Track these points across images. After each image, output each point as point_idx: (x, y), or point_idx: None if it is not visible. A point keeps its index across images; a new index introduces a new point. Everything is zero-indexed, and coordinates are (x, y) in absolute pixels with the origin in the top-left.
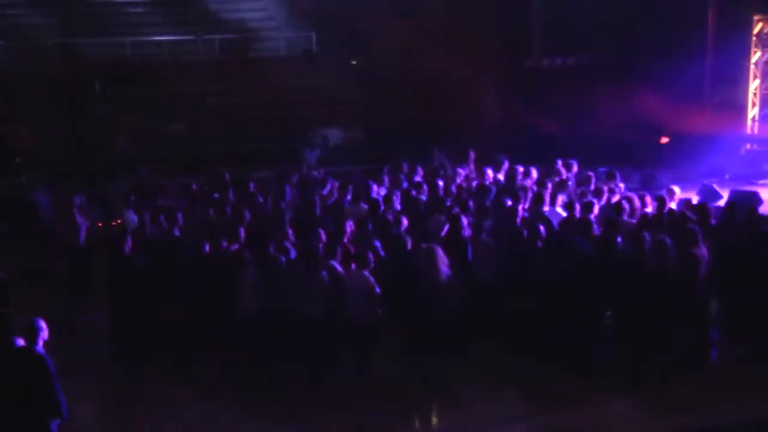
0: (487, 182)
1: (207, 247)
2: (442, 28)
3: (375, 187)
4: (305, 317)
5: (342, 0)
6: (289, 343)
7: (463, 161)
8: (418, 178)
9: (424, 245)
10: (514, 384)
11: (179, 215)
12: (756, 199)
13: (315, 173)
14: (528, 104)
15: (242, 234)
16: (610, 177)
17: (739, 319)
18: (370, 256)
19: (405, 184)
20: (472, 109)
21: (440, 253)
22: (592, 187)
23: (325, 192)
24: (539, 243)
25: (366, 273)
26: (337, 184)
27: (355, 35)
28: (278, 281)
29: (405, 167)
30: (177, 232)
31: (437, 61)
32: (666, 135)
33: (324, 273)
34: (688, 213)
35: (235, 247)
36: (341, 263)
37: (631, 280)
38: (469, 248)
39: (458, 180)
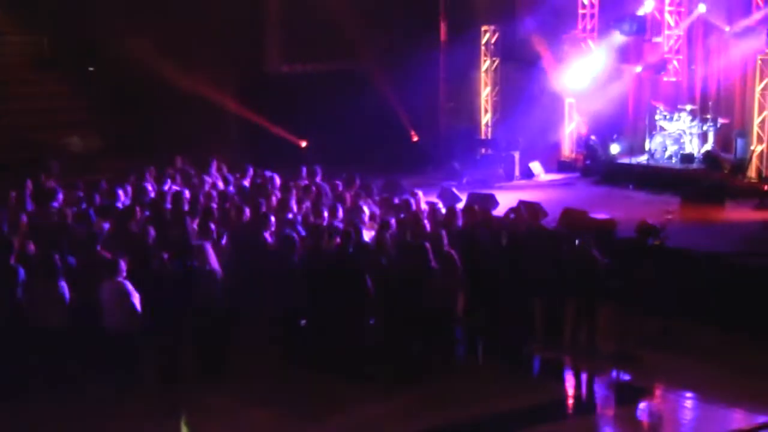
0: (231, 189)
1: None
2: (181, 35)
3: (121, 196)
4: (47, 329)
5: (76, 5)
6: (32, 355)
7: (205, 169)
8: (162, 187)
9: (194, 242)
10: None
11: None
12: (492, 202)
13: (51, 182)
14: (271, 111)
15: None
16: (350, 182)
17: (485, 318)
18: (122, 264)
19: (149, 193)
20: (214, 115)
21: (211, 250)
22: (338, 192)
23: (62, 201)
24: (287, 250)
25: (122, 281)
26: (81, 193)
27: (91, 41)
28: (17, 294)
29: (148, 176)
30: None
31: (178, 68)
32: (413, 135)
33: (66, 283)
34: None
35: None
36: (92, 273)
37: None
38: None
39: (202, 188)
